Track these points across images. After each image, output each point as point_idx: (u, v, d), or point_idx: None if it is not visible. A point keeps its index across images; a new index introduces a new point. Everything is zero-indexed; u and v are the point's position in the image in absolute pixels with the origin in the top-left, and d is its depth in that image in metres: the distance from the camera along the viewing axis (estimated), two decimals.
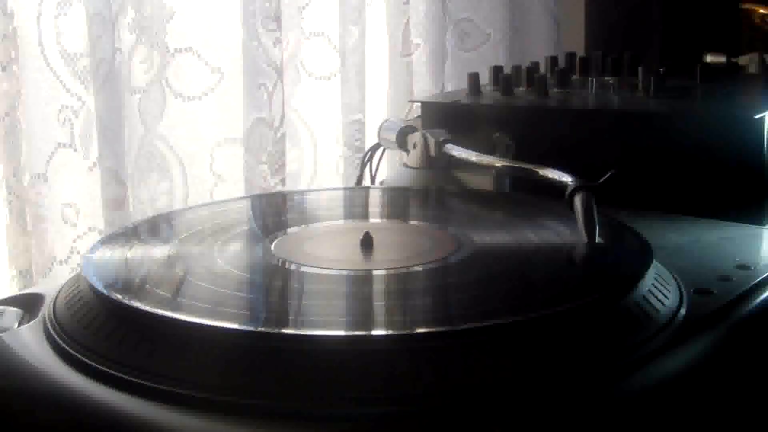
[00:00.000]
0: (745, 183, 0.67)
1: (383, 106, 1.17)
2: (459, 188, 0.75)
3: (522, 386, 0.41)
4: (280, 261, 0.54)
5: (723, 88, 0.85)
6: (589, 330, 0.44)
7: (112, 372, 0.43)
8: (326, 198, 0.77)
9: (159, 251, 0.58)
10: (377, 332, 0.45)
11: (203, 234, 0.60)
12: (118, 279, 0.52)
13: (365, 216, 0.69)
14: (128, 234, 0.62)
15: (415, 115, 0.88)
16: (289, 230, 0.61)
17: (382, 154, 0.92)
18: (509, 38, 1.28)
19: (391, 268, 0.53)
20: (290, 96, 1.04)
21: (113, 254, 0.56)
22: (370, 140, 1.03)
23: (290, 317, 0.48)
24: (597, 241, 0.55)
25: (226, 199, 0.84)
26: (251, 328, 0.44)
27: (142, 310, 0.46)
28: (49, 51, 0.83)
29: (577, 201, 0.57)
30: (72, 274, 0.55)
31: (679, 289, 0.51)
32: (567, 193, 0.58)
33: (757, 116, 0.67)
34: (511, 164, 0.70)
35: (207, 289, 0.50)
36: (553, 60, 0.95)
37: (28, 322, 0.51)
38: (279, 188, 1.01)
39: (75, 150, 0.85)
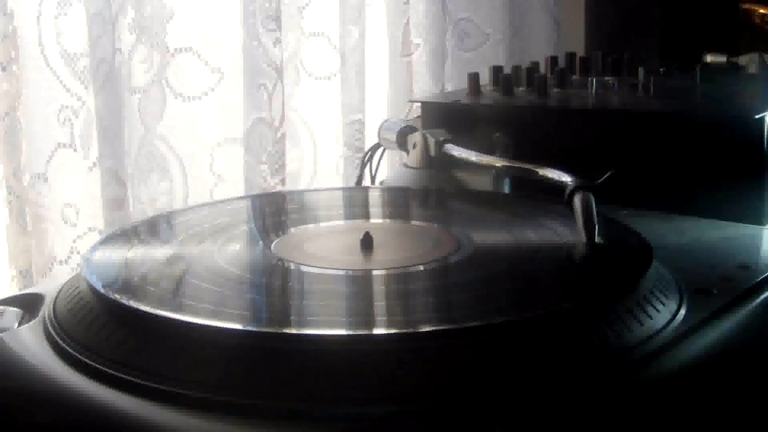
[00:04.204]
0: (745, 183, 0.67)
1: (383, 106, 1.17)
2: (459, 188, 0.75)
3: (522, 386, 0.41)
4: (280, 261, 0.54)
5: (723, 88, 0.85)
6: (589, 330, 0.44)
7: (112, 372, 0.43)
8: (326, 198, 0.77)
9: (159, 251, 0.58)
10: (377, 332, 0.45)
11: (203, 234, 0.60)
12: (118, 279, 0.52)
13: (365, 216, 0.69)
14: (128, 234, 0.62)
15: (415, 115, 0.88)
16: (289, 230, 0.61)
17: (382, 154, 0.92)
18: (509, 38, 1.28)
19: (391, 268, 0.53)
20: (290, 96, 1.04)
21: (113, 254, 0.56)
22: (370, 140, 1.03)
23: (290, 317, 0.48)
24: (597, 241, 0.55)
25: (227, 199, 0.84)
26: (251, 328, 0.44)
27: (142, 311, 0.46)
28: (49, 51, 0.83)
29: (577, 201, 0.57)
30: (72, 274, 0.55)
31: (680, 289, 0.51)
32: (566, 193, 0.58)
33: (757, 116, 0.67)
34: (511, 164, 0.70)
35: (207, 289, 0.50)
36: (553, 60, 0.94)
37: (28, 322, 0.51)
38: (279, 188, 1.01)
39: (75, 150, 0.85)
